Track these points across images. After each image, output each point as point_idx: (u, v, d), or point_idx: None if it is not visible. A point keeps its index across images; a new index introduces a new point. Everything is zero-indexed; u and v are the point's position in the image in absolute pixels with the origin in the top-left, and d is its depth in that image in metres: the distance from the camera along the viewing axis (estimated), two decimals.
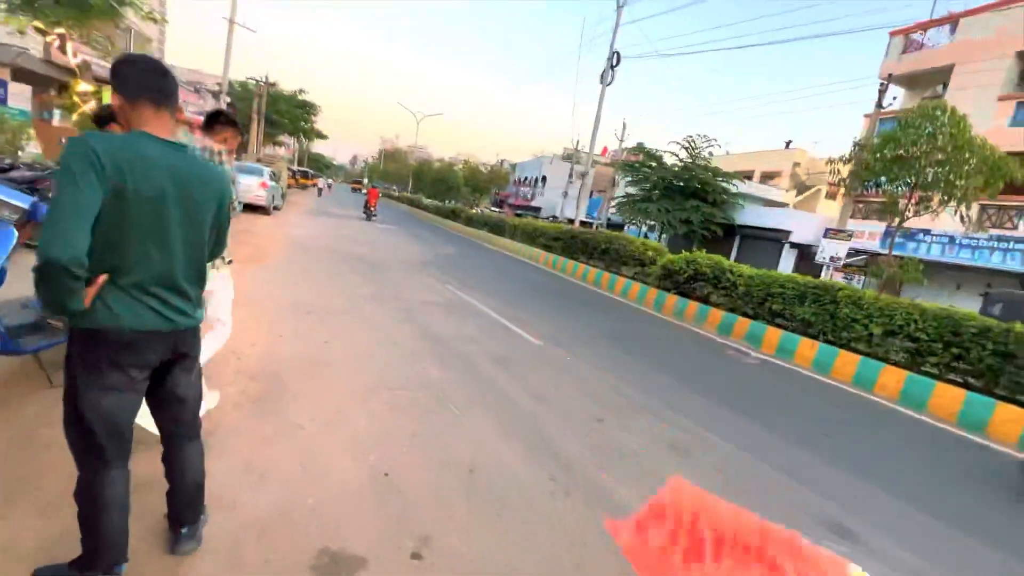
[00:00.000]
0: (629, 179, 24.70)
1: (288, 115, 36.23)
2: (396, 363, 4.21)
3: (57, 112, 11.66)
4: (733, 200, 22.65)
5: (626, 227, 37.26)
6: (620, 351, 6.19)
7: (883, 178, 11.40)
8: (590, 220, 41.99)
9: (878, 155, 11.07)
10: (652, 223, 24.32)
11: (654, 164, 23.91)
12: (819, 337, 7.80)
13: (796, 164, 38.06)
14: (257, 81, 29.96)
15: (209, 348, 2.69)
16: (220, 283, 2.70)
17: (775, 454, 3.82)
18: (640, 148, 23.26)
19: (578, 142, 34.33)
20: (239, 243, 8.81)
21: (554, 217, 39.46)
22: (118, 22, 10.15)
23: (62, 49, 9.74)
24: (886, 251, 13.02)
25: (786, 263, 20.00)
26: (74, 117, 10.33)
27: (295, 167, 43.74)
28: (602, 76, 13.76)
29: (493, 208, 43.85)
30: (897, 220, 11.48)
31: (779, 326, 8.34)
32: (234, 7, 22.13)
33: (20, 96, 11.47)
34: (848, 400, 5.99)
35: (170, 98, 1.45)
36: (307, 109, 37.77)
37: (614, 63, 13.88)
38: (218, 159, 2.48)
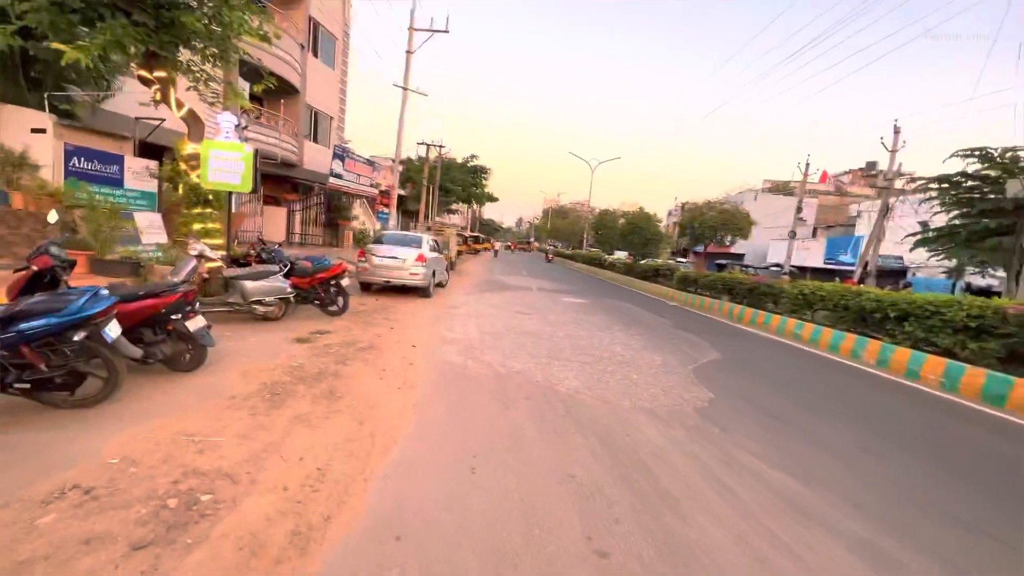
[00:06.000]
0: (936, 203, 16.22)
1: (461, 182, 35.69)
2: None
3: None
4: None
5: (911, 273, 25.93)
6: None
7: None
8: (835, 265, 31.21)
9: None
10: (995, 268, 14.75)
11: (992, 175, 14.73)
12: None
13: None
14: (428, 146, 29.28)
15: None
16: None
17: None
18: (977, 154, 14.56)
19: (807, 164, 25.34)
20: (327, 395, 4.17)
21: (778, 266, 29.96)
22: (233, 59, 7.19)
23: (165, 99, 6.97)
24: None
25: None
26: (179, 190, 7.54)
27: (467, 233, 43.41)
28: None
29: (677, 259, 36.29)
30: None
31: None
32: (408, 74, 20.98)
33: (142, 175, 9.58)
34: None
35: None
36: (478, 174, 36.97)
37: None
38: None
